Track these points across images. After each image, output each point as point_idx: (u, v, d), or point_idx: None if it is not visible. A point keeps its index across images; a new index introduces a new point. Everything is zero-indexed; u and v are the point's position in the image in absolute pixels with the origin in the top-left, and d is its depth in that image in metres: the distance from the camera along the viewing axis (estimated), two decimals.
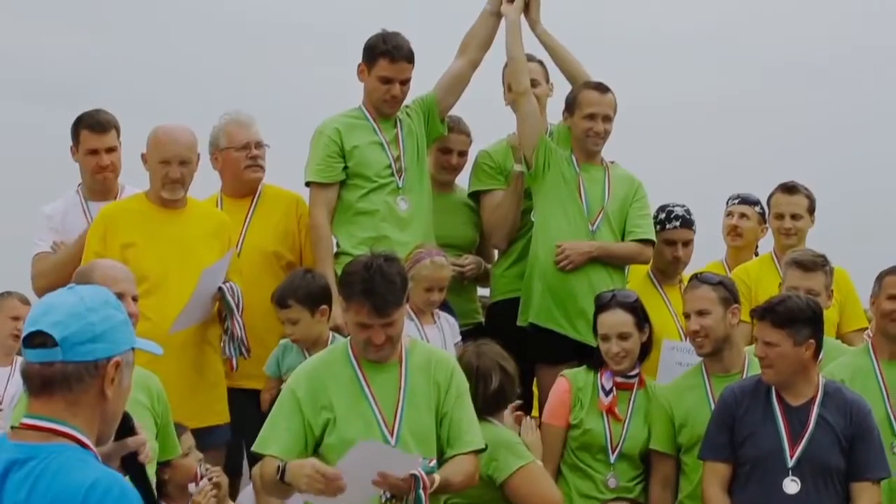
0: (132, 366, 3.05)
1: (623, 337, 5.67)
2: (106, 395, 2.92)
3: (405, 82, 6.45)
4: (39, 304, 3.00)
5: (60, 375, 2.88)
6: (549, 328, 6.40)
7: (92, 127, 6.41)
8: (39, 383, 2.90)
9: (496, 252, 7.06)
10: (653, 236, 6.59)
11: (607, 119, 6.54)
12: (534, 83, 6.69)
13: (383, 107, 6.46)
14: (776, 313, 5.26)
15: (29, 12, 15.53)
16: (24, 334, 2.94)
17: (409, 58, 6.43)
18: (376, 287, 4.73)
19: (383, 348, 4.82)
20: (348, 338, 5.01)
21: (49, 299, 2.98)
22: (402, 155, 6.45)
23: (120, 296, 4.77)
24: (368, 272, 4.76)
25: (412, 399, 4.84)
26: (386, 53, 6.38)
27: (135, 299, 4.92)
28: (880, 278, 5.93)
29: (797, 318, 5.26)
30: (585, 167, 6.54)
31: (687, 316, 5.74)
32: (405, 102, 6.57)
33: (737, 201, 7.34)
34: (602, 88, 6.56)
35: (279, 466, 4.65)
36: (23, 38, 15.66)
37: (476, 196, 6.91)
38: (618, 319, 5.70)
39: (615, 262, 6.52)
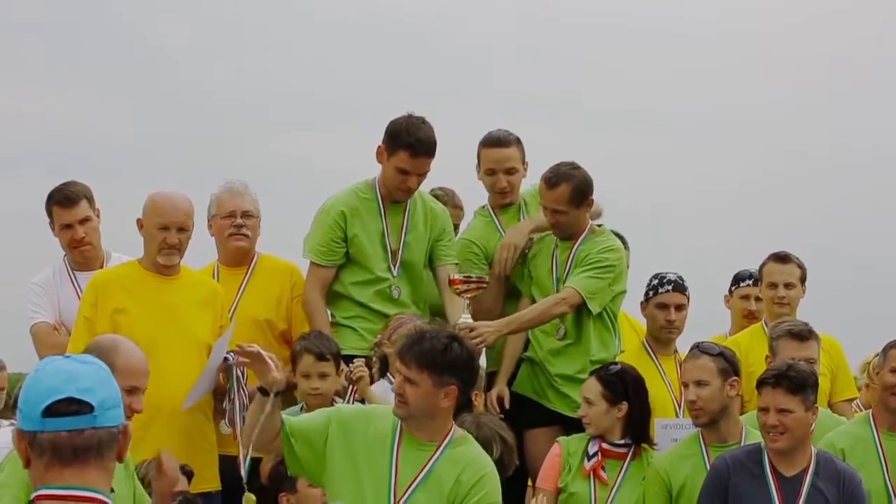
0: None
1: (587, 401, 5.77)
2: (123, 459, 2.90)
3: (423, 174, 6.40)
4: (58, 372, 2.85)
5: (95, 442, 2.82)
6: (527, 396, 6.42)
7: (60, 202, 6.42)
8: (71, 452, 2.81)
9: None
10: (577, 285, 6.24)
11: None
12: (512, 171, 6.62)
13: (396, 194, 6.43)
14: (790, 379, 5.26)
15: None
16: (48, 402, 2.81)
17: (431, 152, 6.31)
18: None
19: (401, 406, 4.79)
20: None
21: (67, 367, 2.86)
22: (402, 248, 6.44)
23: (133, 390, 4.79)
24: None
25: (429, 482, 4.78)
26: (408, 147, 6.25)
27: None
28: (886, 350, 5.94)
29: (807, 384, 5.28)
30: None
31: (685, 385, 5.71)
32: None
33: (750, 282, 7.29)
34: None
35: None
36: None
37: None
38: (588, 384, 5.83)
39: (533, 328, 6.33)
